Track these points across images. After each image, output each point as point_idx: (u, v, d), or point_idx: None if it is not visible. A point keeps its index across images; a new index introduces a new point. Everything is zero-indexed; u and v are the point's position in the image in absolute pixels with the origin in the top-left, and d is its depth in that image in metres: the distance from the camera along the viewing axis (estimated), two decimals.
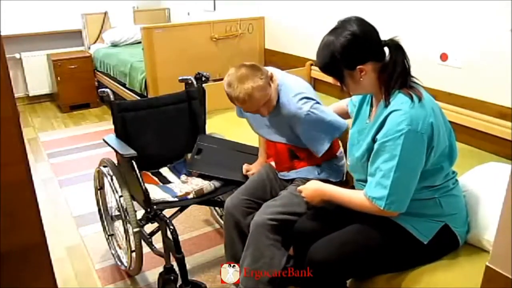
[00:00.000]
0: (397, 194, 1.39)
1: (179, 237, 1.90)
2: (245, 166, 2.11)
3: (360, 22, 1.41)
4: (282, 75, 1.83)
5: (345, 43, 1.38)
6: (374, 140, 1.43)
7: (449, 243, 1.52)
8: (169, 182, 2.18)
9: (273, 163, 2.00)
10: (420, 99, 1.37)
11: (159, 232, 2.03)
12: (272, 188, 1.95)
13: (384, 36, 1.44)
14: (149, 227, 2.10)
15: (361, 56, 1.40)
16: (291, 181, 1.92)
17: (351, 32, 1.38)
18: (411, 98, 1.36)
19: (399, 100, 1.38)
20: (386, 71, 1.41)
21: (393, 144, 1.35)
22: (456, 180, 1.56)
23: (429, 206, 1.48)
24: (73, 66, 4.87)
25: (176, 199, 2.00)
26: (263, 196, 1.91)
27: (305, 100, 1.73)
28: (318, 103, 1.76)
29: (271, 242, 1.77)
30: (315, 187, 1.63)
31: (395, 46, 1.41)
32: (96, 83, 5.09)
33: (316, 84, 3.32)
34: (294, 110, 1.73)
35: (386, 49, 1.43)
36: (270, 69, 1.81)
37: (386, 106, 1.41)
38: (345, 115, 1.82)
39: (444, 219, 1.49)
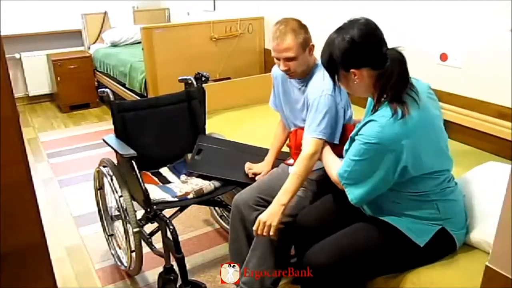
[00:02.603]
0: (353, 180, 1.46)
1: (179, 237, 1.90)
2: (247, 165, 2.12)
3: (365, 26, 1.40)
4: None
5: (342, 47, 1.40)
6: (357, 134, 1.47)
7: (446, 246, 1.52)
8: (169, 182, 2.18)
9: (289, 161, 2.00)
10: (403, 116, 1.35)
11: (159, 232, 2.03)
12: None
13: (387, 39, 1.41)
14: (149, 227, 2.10)
15: (356, 61, 1.40)
16: None
17: (350, 36, 1.38)
18: (394, 113, 1.35)
19: (383, 112, 1.39)
20: (382, 80, 1.40)
21: (358, 145, 1.41)
22: (456, 184, 1.56)
23: (425, 209, 1.48)
24: (73, 66, 4.87)
25: (176, 199, 2.00)
26: (275, 194, 1.91)
27: (330, 86, 1.77)
28: (333, 97, 1.78)
29: (278, 245, 1.78)
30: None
31: (395, 58, 1.38)
32: (96, 83, 5.09)
33: None
34: (318, 87, 1.80)
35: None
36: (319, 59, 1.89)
37: (372, 112, 1.44)
38: None
39: (441, 223, 1.48)
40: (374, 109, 1.45)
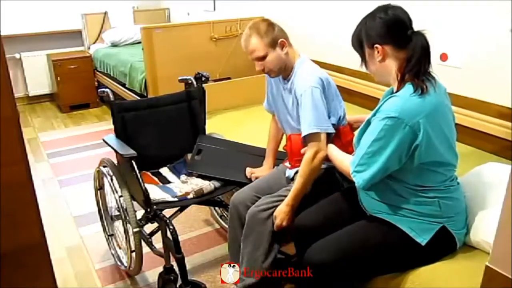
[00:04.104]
0: (365, 165, 1.44)
1: (179, 237, 1.90)
2: (249, 170, 2.12)
3: (392, 6, 1.46)
4: (309, 61, 1.91)
5: (370, 23, 1.46)
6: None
7: (447, 245, 1.52)
8: (169, 182, 2.18)
9: (286, 164, 2.00)
10: (422, 92, 1.38)
11: (159, 232, 2.04)
12: (281, 187, 1.95)
13: None
14: (149, 227, 2.10)
15: (380, 35, 1.44)
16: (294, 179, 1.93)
17: (381, 15, 1.45)
18: (416, 88, 1.39)
19: (405, 88, 1.42)
20: (405, 60, 1.43)
21: (376, 123, 1.41)
22: (458, 183, 1.56)
23: (427, 205, 1.48)
24: (73, 66, 4.87)
25: (175, 199, 2.00)
26: (271, 193, 1.91)
27: (315, 80, 1.79)
28: (320, 91, 1.77)
29: (270, 229, 1.81)
30: None
31: (419, 39, 1.42)
32: (96, 83, 5.09)
33: None
34: (303, 80, 1.80)
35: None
36: (303, 55, 1.90)
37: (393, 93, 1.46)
38: None
39: (442, 221, 1.49)
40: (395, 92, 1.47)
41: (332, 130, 1.77)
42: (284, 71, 1.88)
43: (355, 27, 1.53)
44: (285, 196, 1.81)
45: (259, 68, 1.87)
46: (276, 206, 1.79)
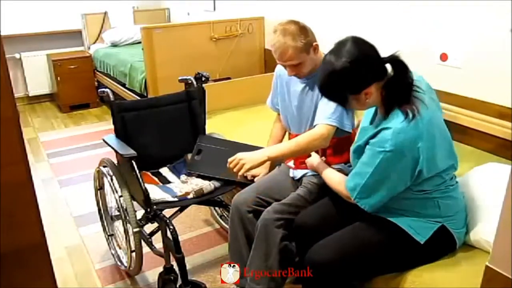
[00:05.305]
0: (367, 193, 1.45)
1: (179, 237, 1.90)
2: None
3: (358, 43, 1.39)
4: None
5: (347, 72, 1.37)
6: (366, 143, 1.46)
7: (446, 244, 1.53)
8: (169, 182, 2.18)
9: (290, 163, 2.00)
10: (414, 116, 1.35)
11: (159, 232, 2.04)
12: (283, 188, 1.95)
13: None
14: (149, 227, 2.10)
15: (365, 81, 1.38)
16: (301, 182, 1.93)
17: (349, 59, 1.36)
18: (406, 116, 1.35)
19: (394, 117, 1.38)
20: (388, 88, 1.40)
21: (373, 155, 1.40)
22: (456, 182, 1.57)
23: (426, 206, 1.49)
24: (73, 66, 4.87)
25: (176, 199, 2.00)
26: (274, 195, 1.91)
27: None
28: None
29: (279, 241, 1.79)
30: (315, 160, 1.77)
31: (398, 63, 1.38)
32: (96, 83, 5.09)
33: None
34: None
35: (388, 66, 1.41)
36: None
37: (384, 118, 1.43)
38: None
39: (441, 220, 1.49)
40: (384, 117, 1.43)
41: (349, 129, 1.75)
42: (312, 71, 1.84)
43: (324, 76, 1.42)
44: (297, 204, 1.80)
45: (292, 73, 1.81)
46: (289, 213, 1.78)
